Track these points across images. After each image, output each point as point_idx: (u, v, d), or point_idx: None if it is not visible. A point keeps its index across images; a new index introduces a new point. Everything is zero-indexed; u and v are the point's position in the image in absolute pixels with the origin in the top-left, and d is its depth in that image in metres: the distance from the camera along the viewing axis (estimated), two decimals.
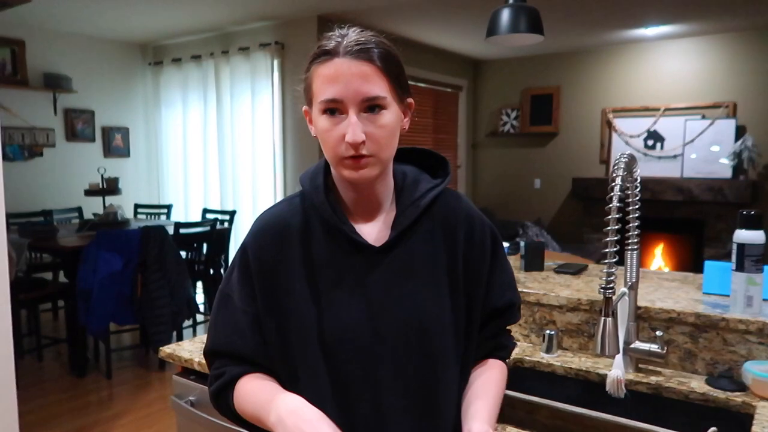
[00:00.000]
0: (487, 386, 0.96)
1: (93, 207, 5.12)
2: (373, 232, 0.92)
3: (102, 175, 4.67)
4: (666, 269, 5.61)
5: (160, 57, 5.90)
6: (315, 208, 0.92)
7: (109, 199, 4.76)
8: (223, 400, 0.94)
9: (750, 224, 1.36)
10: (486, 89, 6.79)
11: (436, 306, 0.91)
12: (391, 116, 0.85)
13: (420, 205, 0.93)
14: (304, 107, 0.91)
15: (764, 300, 1.48)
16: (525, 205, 6.49)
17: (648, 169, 5.51)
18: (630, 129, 5.68)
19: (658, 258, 5.74)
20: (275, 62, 4.97)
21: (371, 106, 0.83)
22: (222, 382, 0.93)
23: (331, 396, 0.87)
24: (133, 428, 3.00)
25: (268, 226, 0.94)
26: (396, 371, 0.88)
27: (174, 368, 1.60)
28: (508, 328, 1.06)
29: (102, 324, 3.56)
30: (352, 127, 0.82)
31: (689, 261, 5.51)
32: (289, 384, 0.89)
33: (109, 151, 5.78)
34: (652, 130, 5.55)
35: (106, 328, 3.63)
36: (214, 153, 5.49)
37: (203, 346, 0.99)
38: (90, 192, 4.63)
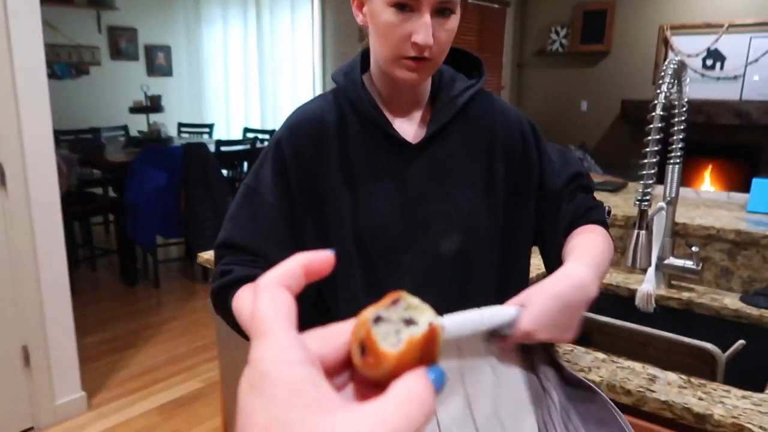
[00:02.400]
0: (588, 242, 0.86)
1: (138, 125, 5.22)
2: (410, 129, 0.91)
3: (145, 93, 4.73)
4: None
5: None
6: (351, 103, 0.89)
7: (153, 117, 4.84)
8: (222, 301, 0.87)
9: None
10: (535, 5, 6.43)
11: (472, 205, 0.90)
12: (457, 21, 0.83)
13: (457, 104, 0.90)
14: None
15: None
16: (570, 128, 6.28)
17: (705, 91, 5.20)
18: (688, 48, 5.33)
19: (707, 182, 5.53)
20: None
21: (443, 9, 0.80)
22: (227, 280, 0.85)
23: (365, 287, 0.87)
24: (180, 332, 3.19)
25: (304, 121, 0.91)
26: (429, 266, 0.88)
27: None
28: (588, 194, 0.97)
29: (149, 236, 3.72)
30: (426, 28, 0.78)
31: (741, 187, 5.29)
32: (323, 281, 0.87)
33: (152, 69, 5.82)
34: (712, 48, 5.20)
35: (153, 240, 3.79)
36: (255, 71, 5.46)
37: None
38: (134, 109, 4.72)
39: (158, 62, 5.89)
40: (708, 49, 5.21)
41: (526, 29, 6.55)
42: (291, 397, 0.25)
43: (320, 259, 0.33)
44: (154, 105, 4.72)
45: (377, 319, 0.29)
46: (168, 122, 5.20)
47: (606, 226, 0.93)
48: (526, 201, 0.94)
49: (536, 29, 6.45)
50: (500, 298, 0.90)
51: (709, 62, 5.23)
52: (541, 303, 0.70)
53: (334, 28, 4.80)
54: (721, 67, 5.17)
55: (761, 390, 0.94)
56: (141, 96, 4.92)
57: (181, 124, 5.60)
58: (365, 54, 0.93)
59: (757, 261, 1.35)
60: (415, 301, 0.30)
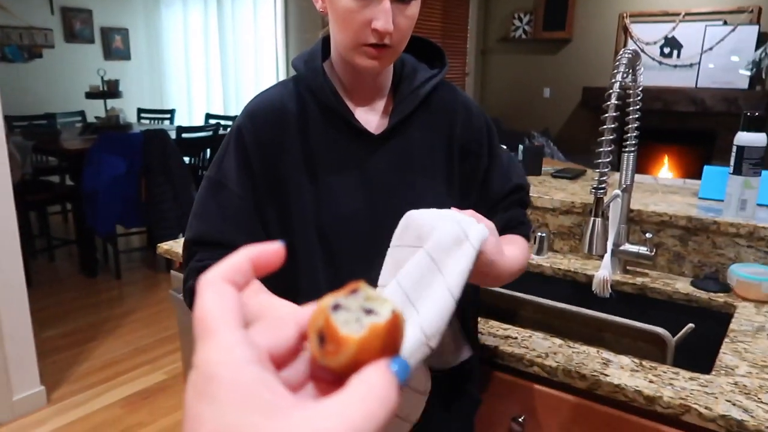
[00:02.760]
0: (511, 242, 0.90)
1: (95, 110, 5.07)
2: (372, 119, 0.90)
3: (102, 77, 4.59)
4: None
5: None
6: (312, 92, 0.88)
7: (111, 103, 4.71)
8: None
9: (753, 126, 1.33)
10: None
11: (433, 195, 0.90)
12: (418, 7, 0.82)
13: (419, 95, 0.90)
14: None
15: (758, 205, 1.48)
16: (533, 114, 6.35)
17: (663, 78, 5.33)
18: (647, 35, 5.44)
19: (666, 170, 5.68)
20: None
21: None
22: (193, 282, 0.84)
23: (328, 281, 0.86)
24: (143, 324, 3.14)
25: (264, 108, 0.88)
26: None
27: None
28: (522, 210, 1.01)
29: (108, 226, 3.63)
30: (386, 14, 0.77)
31: (696, 173, 5.45)
32: (284, 273, 0.85)
33: (109, 53, 5.65)
34: (669, 36, 5.31)
35: (113, 230, 3.71)
36: (216, 56, 5.36)
37: None
38: (91, 95, 4.58)
39: (115, 45, 5.72)
40: (665, 37, 5.33)
41: (489, 16, 6.58)
42: (242, 401, 0.24)
43: (269, 252, 0.31)
44: (111, 90, 4.59)
45: (336, 307, 0.28)
46: (127, 108, 5.07)
47: (528, 242, 0.97)
48: (470, 196, 0.95)
49: (500, 16, 6.48)
50: None
51: (666, 50, 5.35)
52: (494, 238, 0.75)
53: (297, 13, 4.74)
54: (678, 55, 5.29)
55: (708, 371, 0.98)
56: (98, 81, 4.78)
57: (140, 110, 5.46)
58: (326, 41, 0.92)
59: (707, 246, 1.40)
60: (374, 292, 0.28)
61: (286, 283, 0.86)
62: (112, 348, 2.88)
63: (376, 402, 0.25)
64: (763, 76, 4.85)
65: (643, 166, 5.44)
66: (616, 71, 1.18)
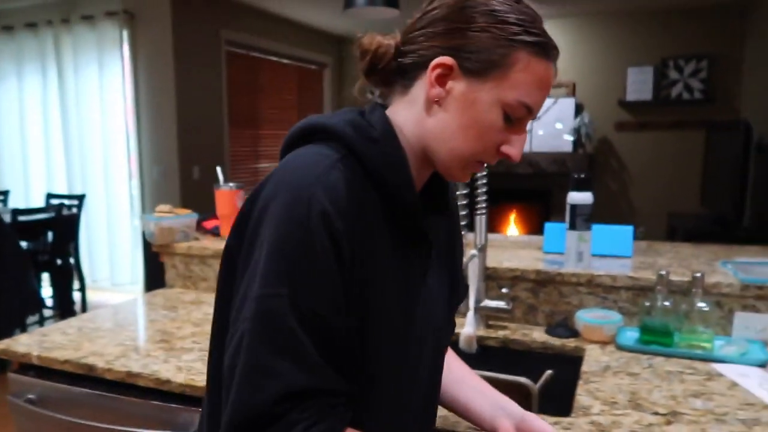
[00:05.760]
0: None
1: None
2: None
3: None
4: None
5: None
6: (384, 185, 0.70)
7: None
8: None
9: (580, 186, 1.51)
10: (351, 67, 6.82)
11: (447, 304, 0.86)
12: None
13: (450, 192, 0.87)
14: (446, 60, 0.69)
15: (593, 255, 1.66)
16: None
17: None
18: None
19: (513, 226, 6.19)
20: (125, 33, 4.60)
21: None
22: None
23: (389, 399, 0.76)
24: None
25: (345, 190, 0.66)
26: (428, 381, 0.83)
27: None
28: None
29: None
30: (521, 144, 0.71)
31: (538, 227, 5.99)
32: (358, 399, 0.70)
33: None
34: None
35: None
36: (58, 132, 5.00)
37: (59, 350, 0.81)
38: None
39: None
40: None
41: (344, 90, 6.89)
42: None
43: None
44: None
45: None
46: None
47: None
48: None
49: (354, 90, 6.80)
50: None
51: None
52: None
53: (146, 83, 4.61)
54: None
55: (569, 413, 1.06)
56: None
57: None
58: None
59: (555, 296, 1.53)
60: None
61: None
62: None
63: None
64: (583, 141, 5.55)
65: (495, 224, 5.89)
66: None
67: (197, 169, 4.72)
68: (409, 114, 0.74)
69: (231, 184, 1.95)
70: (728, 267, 1.48)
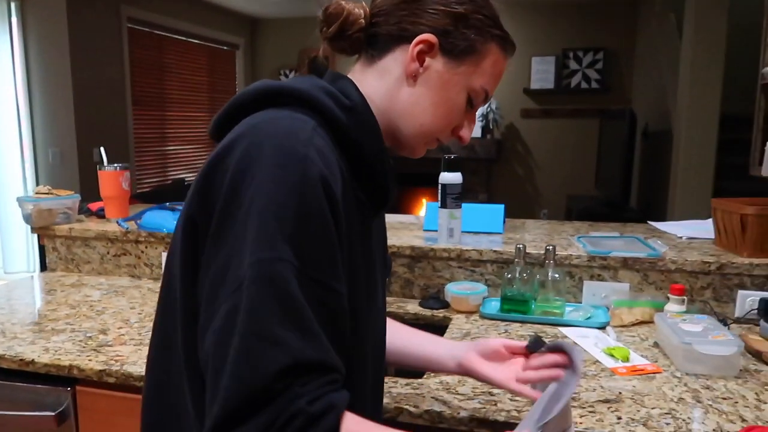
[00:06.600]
0: None
1: None
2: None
3: None
4: None
5: None
6: (359, 150, 0.70)
7: None
8: None
9: (451, 167, 1.60)
10: (264, 49, 6.72)
11: (383, 283, 0.87)
12: None
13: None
14: (430, 35, 0.70)
15: (468, 232, 1.76)
16: None
17: None
18: None
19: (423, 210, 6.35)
20: (12, 5, 4.32)
21: None
22: (332, 420, 0.56)
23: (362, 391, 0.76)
24: None
25: (331, 158, 0.64)
26: (378, 356, 0.84)
27: None
28: None
29: None
30: (472, 129, 0.80)
31: None
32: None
33: None
34: None
35: None
36: None
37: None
38: None
39: None
40: None
41: (257, 71, 6.79)
42: None
43: None
44: None
45: None
46: None
47: None
48: None
49: (267, 71, 6.73)
50: None
51: None
52: None
53: (42, 65, 4.36)
54: None
55: (422, 375, 1.14)
56: None
57: None
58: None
59: (429, 271, 1.62)
60: None
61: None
62: None
63: None
64: (491, 127, 5.76)
65: (405, 207, 6.01)
66: None
67: (98, 152, 4.52)
68: (379, 85, 0.74)
69: (115, 165, 1.91)
70: (580, 241, 1.62)
